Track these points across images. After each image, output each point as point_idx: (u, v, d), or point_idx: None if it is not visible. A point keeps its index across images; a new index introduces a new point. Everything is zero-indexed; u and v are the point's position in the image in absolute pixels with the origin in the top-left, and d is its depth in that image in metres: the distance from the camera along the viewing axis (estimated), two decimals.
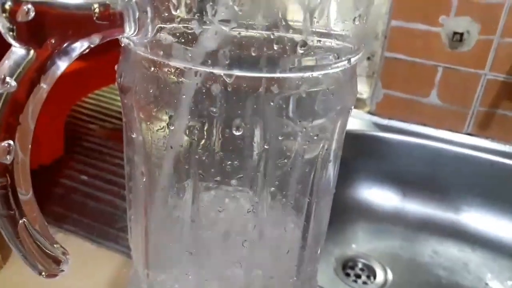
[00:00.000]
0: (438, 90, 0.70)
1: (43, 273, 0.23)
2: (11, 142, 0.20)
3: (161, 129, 0.24)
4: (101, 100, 0.76)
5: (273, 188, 0.25)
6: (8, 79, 0.19)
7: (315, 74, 0.22)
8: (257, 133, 0.23)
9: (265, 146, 0.23)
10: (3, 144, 0.20)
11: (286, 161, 0.24)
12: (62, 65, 0.20)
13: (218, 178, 0.24)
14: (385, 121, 0.74)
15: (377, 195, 0.74)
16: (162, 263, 0.28)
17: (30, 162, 0.23)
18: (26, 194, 0.23)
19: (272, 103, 0.22)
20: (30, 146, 0.23)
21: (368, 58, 0.81)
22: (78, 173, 0.58)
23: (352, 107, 0.27)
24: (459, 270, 0.67)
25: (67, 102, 0.61)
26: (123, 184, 0.56)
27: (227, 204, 0.25)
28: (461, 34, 0.65)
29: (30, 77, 0.19)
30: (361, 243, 0.70)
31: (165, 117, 0.23)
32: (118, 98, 0.80)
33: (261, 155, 0.23)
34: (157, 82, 0.23)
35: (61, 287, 0.41)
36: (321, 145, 0.25)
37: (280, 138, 0.23)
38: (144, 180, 0.26)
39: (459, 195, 0.71)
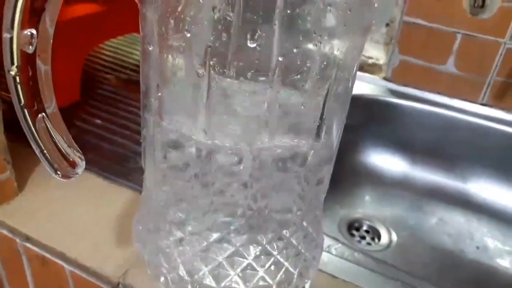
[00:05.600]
0: (456, 58, 0.70)
1: (59, 173, 0.24)
2: (33, 31, 0.20)
3: (178, 36, 0.24)
4: (117, 52, 0.76)
5: (284, 104, 0.25)
6: None
7: None
8: (273, 42, 0.23)
9: (280, 58, 0.23)
10: (26, 32, 0.20)
11: (299, 76, 0.25)
12: None
13: (231, 93, 0.25)
14: (399, 88, 0.74)
15: (387, 161, 0.74)
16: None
17: None
18: (49, 106, 0.24)
19: (289, 11, 0.22)
20: (50, 57, 0.24)
21: (387, 25, 0.80)
22: (93, 117, 0.59)
23: (367, 35, 0.27)
24: (464, 239, 0.67)
25: (85, 47, 0.62)
26: (135, 129, 0.57)
27: (240, 111, 0.25)
28: (483, 0, 0.64)
29: None
30: (368, 207, 0.70)
31: (183, 24, 0.23)
32: (134, 51, 0.80)
33: (276, 67, 0.23)
34: None
35: (72, 215, 0.43)
36: (334, 65, 0.26)
37: (295, 50, 0.24)
38: (159, 94, 0.27)
39: (469, 164, 0.71)
